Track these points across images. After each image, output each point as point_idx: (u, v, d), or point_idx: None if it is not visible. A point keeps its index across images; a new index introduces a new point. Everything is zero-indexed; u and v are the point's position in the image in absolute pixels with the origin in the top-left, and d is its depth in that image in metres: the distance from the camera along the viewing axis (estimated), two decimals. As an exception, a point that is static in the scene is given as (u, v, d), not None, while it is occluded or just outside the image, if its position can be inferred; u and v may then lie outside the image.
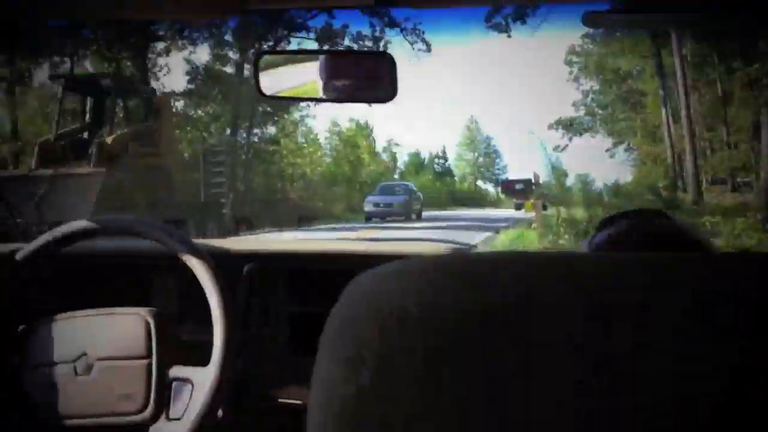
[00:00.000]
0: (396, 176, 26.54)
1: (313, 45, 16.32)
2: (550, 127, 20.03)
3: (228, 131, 17.47)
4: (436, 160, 31.58)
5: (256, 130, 18.78)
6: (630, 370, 0.31)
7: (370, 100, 1.24)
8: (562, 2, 1.12)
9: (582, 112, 20.33)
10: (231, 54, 17.30)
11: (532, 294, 0.33)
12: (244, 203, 15.70)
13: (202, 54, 18.03)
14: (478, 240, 11.52)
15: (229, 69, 17.56)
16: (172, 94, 16.58)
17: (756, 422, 0.30)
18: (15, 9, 1.09)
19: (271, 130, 19.81)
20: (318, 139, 23.11)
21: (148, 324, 1.17)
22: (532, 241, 11.54)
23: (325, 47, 16.40)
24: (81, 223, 1.21)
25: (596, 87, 20.26)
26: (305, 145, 21.73)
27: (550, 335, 0.32)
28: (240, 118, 17.38)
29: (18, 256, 1.21)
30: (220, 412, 1.14)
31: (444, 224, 15.21)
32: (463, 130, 31.69)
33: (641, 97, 18.49)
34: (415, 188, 20.10)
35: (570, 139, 19.86)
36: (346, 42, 16.11)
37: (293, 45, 16.26)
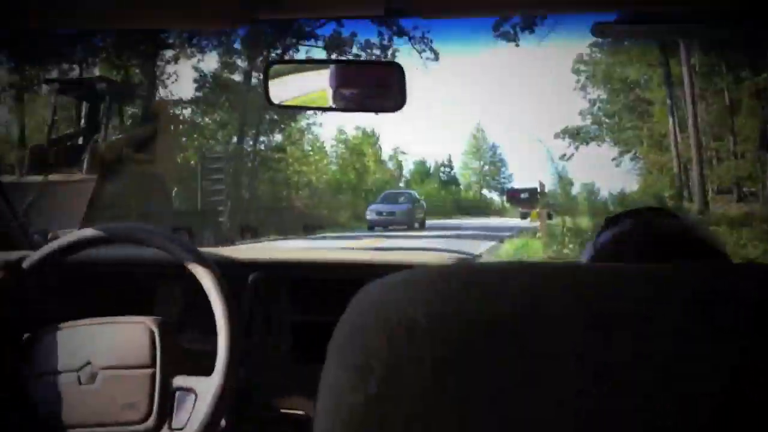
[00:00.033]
0: (401, 184, 26.49)
1: (321, 53, 16.40)
2: (557, 136, 19.97)
3: (234, 139, 17.52)
4: (442, 169, 31.56)
5: (262, 138, 18.81)
6: (630, 380, 0.31)
7: (378, 110, 1.24)
8: (570, 12, 1.12)
9: (589, 121, 20.28)
10: (239, 62, 17.42)
11: (538, 304, 0.33)
12: (249, 211, 15.71)
13: (211, 62, 18.14)
14: (482, 249, 11.49)
15: (237, 77, 17.65)
16: (180, 101, 16.67)
17: (756, 422, 0.31)
18: (25, 17, 1.10)
19: (278, 137, 19.83)
20: (324, 147, 23.13)
21: (152, 333, 1.16)
22: (537, 251, 11.51)
23: (334, 55, 16.52)
24: (87, 232, 1.22)
25: (603, 96, 20.22)
26: (311, 153, 21.72)
27: (554, 345, 0.32)
28: (247, 125, 17.43)
29: (24, 265, 1.22)
30: (222, 422, 1.14)
31: (448, 233, 15.17)
32: (469, 138, 31.64)
33: (648, 106, 18.45)
34: (418, 196, 20.01)
35: (576, 148, 19.80)
36: (354, 50, 16.20)
37: (302, 53, 16.37)
